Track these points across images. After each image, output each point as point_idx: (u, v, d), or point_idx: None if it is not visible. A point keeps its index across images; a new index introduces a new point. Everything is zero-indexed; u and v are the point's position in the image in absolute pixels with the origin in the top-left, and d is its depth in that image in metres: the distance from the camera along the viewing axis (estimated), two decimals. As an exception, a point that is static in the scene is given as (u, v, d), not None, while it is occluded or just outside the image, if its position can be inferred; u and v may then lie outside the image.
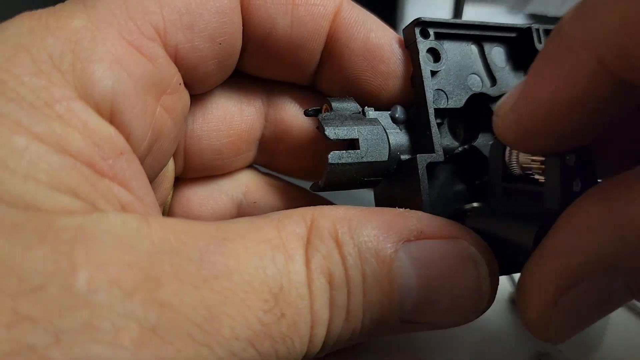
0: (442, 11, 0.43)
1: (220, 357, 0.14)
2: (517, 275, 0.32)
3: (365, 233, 0.17)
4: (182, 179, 0.25)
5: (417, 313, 0.18)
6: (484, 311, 0.19)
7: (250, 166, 0.26)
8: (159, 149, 0.20)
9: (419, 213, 0.19)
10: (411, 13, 0.58)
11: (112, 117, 0.17)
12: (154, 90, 0.19)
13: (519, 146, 0.19)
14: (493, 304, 0.31)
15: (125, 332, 0.13)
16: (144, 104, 0.18)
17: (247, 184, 0.26)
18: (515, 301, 0.30)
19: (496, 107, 0.19)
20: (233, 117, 0.24)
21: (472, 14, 0.31)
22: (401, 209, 0.19)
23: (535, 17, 0.66)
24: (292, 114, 0.25)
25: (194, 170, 0.25)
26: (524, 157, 0.20)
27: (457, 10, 0.32)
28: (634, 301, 0.31)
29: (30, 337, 0.13)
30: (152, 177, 0.22)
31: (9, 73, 0.15)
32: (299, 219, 0.17)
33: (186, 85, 0.21)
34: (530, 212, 0.19)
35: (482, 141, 0.24)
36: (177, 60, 0.20)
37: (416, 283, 0.17)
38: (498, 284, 0.19)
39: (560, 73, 0.16)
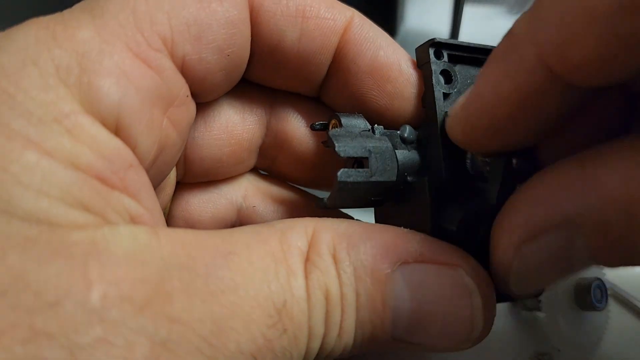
0: (442, 11, 0.43)
1: None
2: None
3: (362, 251, 0.17)
4: (181, 183, 0.25)
5: (409, 334, 0.18)
6: (477, 342, 0.19)
7: (250, 170, 0.26)
8: (163, 160, 0.20)
9: (422, 235, 0.19)
10: (411, 13, 0.58)
11: (118, 131, 0.17)
12: (160, 103, 0.19)
13: (467, 145, 0.19)
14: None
15: (137, 347, 0.14)
16: (150, 117, 0.18)
17: (246, 188, 0.26)
18: (515, 302, 0.30)
19: (450, 108, 0.20)
20: (235, 126, 0.24)
21: (471, 14, 0.31)
22: (404, 229, 0.19)
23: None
24: (294, 126, 0.24)
25: (194, 176, 0.25)
26: (476, 159, 0.20)
27: (457, 11, 0.32)
28: (634, 301, 0.31)
29: (47, 353, 0.13)
30: (155, 186, 0.22)
31: (17, 87, 0.15)
32: (301, 231, 0.17)
33: (193, 96, 0.21)
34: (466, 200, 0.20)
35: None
36: (185, 71, 0.20)
37: (409, 306, 0.17)
38: (494, 316, 0.19)
39: (504, 70, 0.16)
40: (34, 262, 0.14)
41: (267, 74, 0.23)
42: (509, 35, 0.16)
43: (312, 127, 0.22)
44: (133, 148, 0.18)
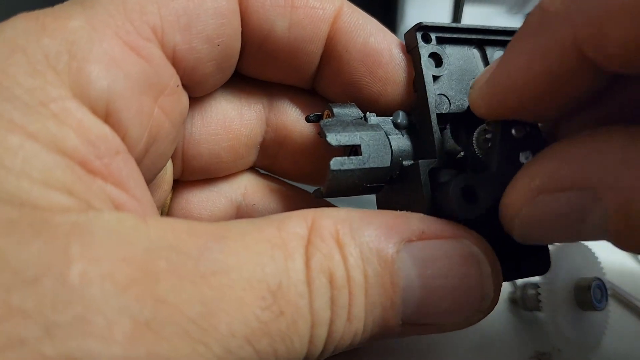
0: (442, 11, 0.43)
1: (216, 354, 0.14)
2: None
3: (366, 234, 0.17)
4: (181, 182, 0.25)
5: (419, 314, 0.18)
6: (488, 312, 0.19)
7: (250, 168, 0.26)
8: (156, 150, 0.20)
9: (420, 215, 0.19)
10: (411, 13, 0.58)
11: (107, 117, 0.17)
12: (150, 91, 0.19)
13: (488, 117, 0.19)
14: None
15: (118, 326, 0.13)
16: (140, 104, 0.18)
17: (246, 186, 0.26)
18: (515, 301, 0.30)
19: (473, 82, 0.20)
20: (233, 121, 0.24)
21: (471, 14, 0.31)
22: (402, 211, 0.19)
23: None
24: (294, 119, 0.24)
25: (192, 173, 0.25)
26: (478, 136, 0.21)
27: (457, 11, 0.32)
28: (634, 301, 0.31)
29: (22, 331, 0.12)
30: (150, 179, 0.22)
31: (4, 73, 0.16)
32: (300, 219, 0.17)
33: (185, 87, 0.21)
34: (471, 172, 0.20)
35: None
36: (175, 61, 0.20)
37: (418, 283, 0.17)
38: (502, 284, 0.19)
39: (536, 47, 0.16)
40: (14, 242, 0.13)
41: (260, 66, 0.23)
42: (541, 11, 0.16)
43: (307, 119, 0.23)
44: (123, 135, 0.18)
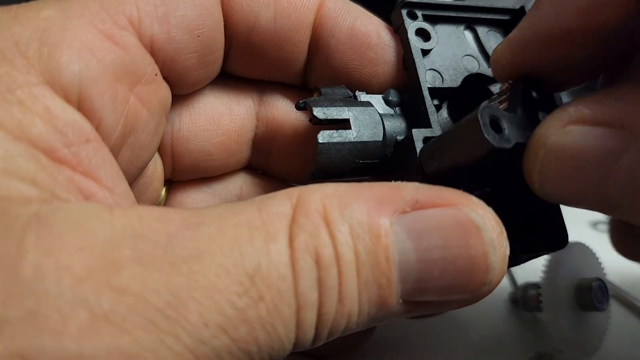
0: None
1: (186, 346, 0.13)
2: (517, 275, 0.32)
3: (356, 208, 0.16)
4: (175, 182, 0.25)
5: (419, 291, 0.16)
6: (495, 284, 0.17)
7: (245, 168, 0.26)
8: (136, 141, 0.20)
9: (414, 183, 0.17)
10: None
11: (80, 104, 0.17)
12: (126, 78, 0.18)
13: (511, 69, 0.19)
14: (492, 304, 0.31)
15: (73, 320, 0.13)
16: (114, 91, 0.18)
17: (241, 187, 0.25)
18: (516, 302, 0.30)
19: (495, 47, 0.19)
20: (222, 117, 0.24)
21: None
22: (394, 182, 0.17)
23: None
24: (285, 112, 0.24)
25: (184, 171, 0.24)
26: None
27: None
28: (635, 302, 0.31)
29: None
30: (135, 172, 0.21)
31: None
32: (284, 198, 0.16)
33: (167, 80, 0.21)
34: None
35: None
36: (154, 51, 0.20)
37: (415, 257, 0.16)
38: (508, 252, 0.17)
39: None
40: None
41: (248, 63, 0.23)
42: None
43: (297, 106, 0.22)
44: (96, 123, 0.17)
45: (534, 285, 0.29)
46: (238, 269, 0.14)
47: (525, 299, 0.29)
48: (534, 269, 0.28)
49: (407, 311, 0.17)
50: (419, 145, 0.19)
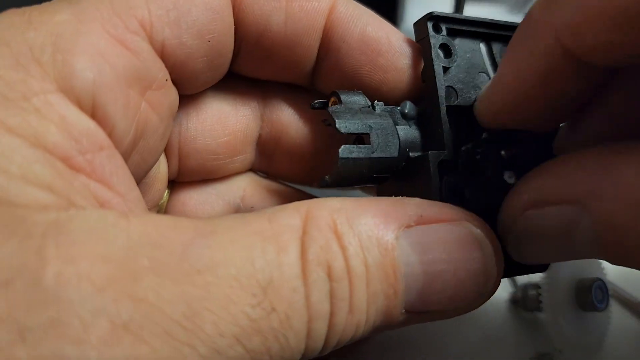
0: (443, 10, 0.42)
1: (203, 356, 0.14)
2: (518, 277, 0.32)
3: (364, 222, 0.16)
4: (178, 183, 0.25)
5: (422, 302, 0.17)
6: (491, 294, 0.18)
7: (248, 171, 0.26)
8: (145, 145, 0.20)
9: (417, 199, 0.18)
10: (411, 13, 0.58)
11: (94, 111, 0.17)
12: (138, 84, 0.19)
13: (489, 123, 0.20)
14: (492, 304, 0.31)
15: (94, 329, 0.13)
16: (127, 97, 0.18)
17: (244, 189, 0.25)
18: (516, 302, 0.30)
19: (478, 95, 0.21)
20: (228, 117, 0.24)
21: (472, 13, 0.31)
22: (398, 197, 0.18)
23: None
24: (290, 114, 0.24)
25: (189, 172, 0.24)
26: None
27: (458, 10, 0.32)
28: (635, 302, 0.31)
29: None
30: (141, 175, 0.21)
31: None
32: (293, 211, 0.16)
33: (175, 83, 0.21)
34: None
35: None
36: (164, 56, 0.20)
37: (420, 270, 0.17)
38: (503, 266, 0.18)
39: (524, 52, 0.17)
40: None
41: (258, 64, 0.23)
42: (527, 19, 0.17)
43: (312, 106, 0.22)
44: (109, 129, 0.17)
45: (534, 285, 0.29)
46: (251, 281, 0.14)
47: (525, 299, 0.29)
48: (534, 269, 0.28)
49: (407, 321, 0.17)
50: (434, 170, 0.20)
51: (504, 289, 0.32)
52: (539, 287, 0.27)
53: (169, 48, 0.19)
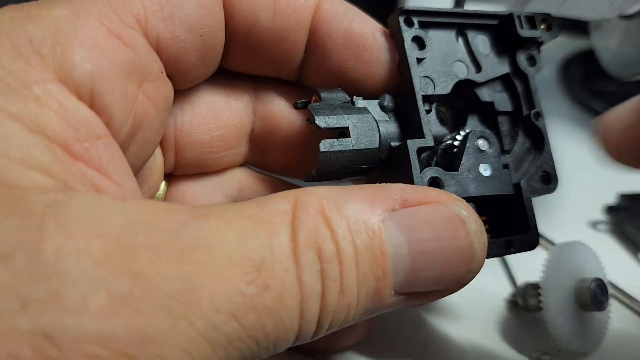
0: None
1: (199, 331, 0.14)
2: (517, 276, 0.32)
3: (350, 207, 0.17)
4: (175, 176, 0.25)
5: (411, 282, 0.18)
6: (476, 272, 0.19)
7: (243, 165, 0.27)
8: (143, 137, 0.21)
9: (400, 184, 0.19)
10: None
11: (92, 101, 0.18)
12: (134, 76, 0.19)
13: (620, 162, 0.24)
14: (493, 304, 0.31)
15: (94, 300, 0.13)
16: (124, 89, 0.19)
17: (241, 182, 0.26)
18: (516, 302, 0.30)
19: (602, 121, 0.23)
20: (221, 111, 0.24)
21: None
22: (382, 184, 0.19)
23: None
24: (281, 108, 0.25)
25: (185, 165, 0.25)
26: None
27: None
28: (635, 301, 0.31)
29: None
30: (138, 167, 0.22)
31: None
32: (282, 198, 0.17)
33: (170, 77, 0.22)
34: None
35: (472, 125, 0.24)
36: (159, 50, 0.20)
37: (407, 250, 0.17)
38: (487, 243, 0.19)
39: None
40: None
41: (246, 60, 0.24)
42: None
43: (295, 106, 0.23)
44: (107, 119, 0.18)
45: (534, 285, 0.29)
46: (244, 260, 0.15)
47: (525, 299, 0.29)
48: (534, 269, 0.28)
49: (397, 303, 0.18)
50: (413, 156, 0.21)
51: (504, 289, 0.32)
52: (539, 287, 0.27)
53: (163, 42, 0.20)
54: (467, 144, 0.22)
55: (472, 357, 0.28)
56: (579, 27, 0.55)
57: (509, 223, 0.23)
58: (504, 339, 0.29)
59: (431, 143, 0.22)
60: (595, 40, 0.44)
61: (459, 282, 0.19)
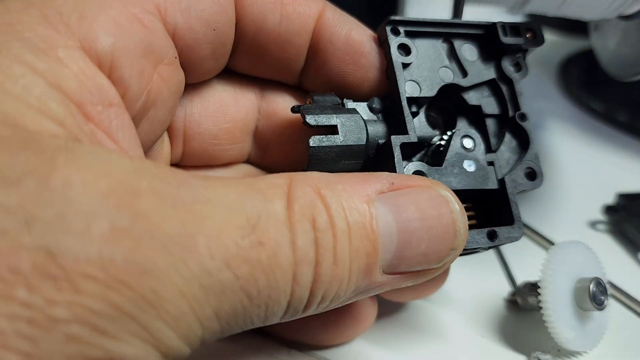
0: (442, 12, 0.43)
1: (194, 274, 0.15)
2: (516, 275, 0.32)
3: (343, 188, 0.18)
4: (182, 167, 0.27)
5: (398, 259, 0.18)
6: (460, 250, 0.20)
7: (245, 162, 0.28)
8: (155, 115, 0.22)
9: (388, 172, 0.20)
10: (411, 13, 0.58)
11: (111, 72, 0.19)
12: (151, 56, 0.21)
13: None
14: (493, 304, 0.31)
15: (97, 227, 0.14)
16: (141, 65, 0.20)
17: (245, 173, 0.27)
18: (515, 302, 0.30)
19: None
20: (228, 106, 0.26)
21: (471, 14, 0.31)
22: (371, 172, 0.20)
23: (535, 18, 0.66)
24: (283, 108, 0.27)
25: (192, 155, 0.26)
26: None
27: (457, 11, 0.32)
28: (634, 301, 0.31)
29: (2, 222, 0.13)
30: (147, 146, 0.23)
31: (18, 21, 0.17)
32: (278, 176, 0.18)
33: (183, 67, 0.23)
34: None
35: (461, 127, 0.26)
36: (175, 38, 0.22)
37: (396, 228, 0.18)
38: (467, 223, 0.20)
39: None
40: (2, 151, 0.14)
41: (252, 61, 0.26)
42: None
43: (292, 110, 0.24)
44: (123, 91, 0.19)
45: (533, 285, 0.29)
46: (241, 217, 0.16)
47: (524, 299, 0.29)
48: (533, 269, 0.28)
49: (385, 284, 0.19)
50: (397, 151, 0.23)
51: (503, 289, 0.32)
52: (538, 287, 0.27)
53: (180, 32, 0.22)
54: (452, 142, 0.24)
55: (472, 356, 0.28)
56: (578, 27, 0.55)
57: (495, 217, 0.24)
58: (503, 339, 0.29)
59: (414, 139, 0.23)
60: (595, 41, 0.44)
61: (443, 260, 0.19)
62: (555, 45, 0.63)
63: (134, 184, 0.15)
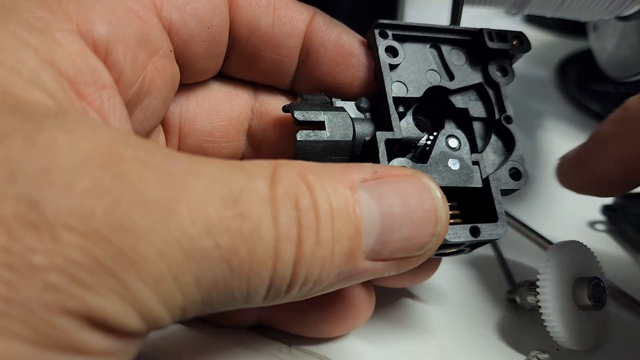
0: (441, 12, 0.43)
1: (175, 237, 0.15)
2: (515, 275, 0.33)
3: (327, 174, 0.18)
4: None
5: (381, 245, 0.19)
6: (442, 237, 0.20)
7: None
8: (149, 105, 0.23)
9: (371, 163, 0.20)
10: (411, 13, 0.58)
11: (106, 57, 0.19)
12: (146, 47, 0.21)
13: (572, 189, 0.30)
14: (492, 303, 0.31)
15: (80, 182, 0.14)
16: (136, 54, 0.21)
17: None
18: (513, 301, 0.31)
19: (561, 157, 0.30)
20: (223, 105, 0.27)
21: (470, 15, 0.31)
22: (354, 163, 0.20)
23: (534, 18, 0.66)
24: (276, 108, 0.27)
25: (187, 151, 0.26)
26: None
27: (456, 12, 0.33)
28: (634, 301, 0.31)
29: None
30: (142, 136, 0.24)
31: (18, 4, 0.18)
32: (263, 161, 0.18)
33: (178, 64, 0.24)
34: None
35: (449, 128, 0.26)
36: (170, 33, 0.23)
37: (378, 213, 0.18)
38: (449, 211, 0.20)
39: (616, 137, 0.24)
40: None
41: (245, 65, 0.26)
42: (624, 109, 0.25)
43: (283, 109, 0.25)
44: (117, 77, 0.20)
45: (532, 284, 0.29)
46: (224, 189, 0.16)
47: (523, 298, 0.30)
48: (532, 269, 0.28)
49: (368, 270, 0.19)
50: (381, 146, 0.23)
51: (502, 289, 0.32)
52: (537, 286, 0.27)
53: (175, 27, 0.23)
54: (437, 141, 0.24)
55: (471, 354, 0.28)
56: (576, 28, 0.55)
57: (481, 216, 0.25)
58: (502, 338, 0.29)
59: (399, 136, 0.24)
60: (593, 41, 0.44)
61: (425, 246, 0.19)
62: (553, 45, 0.63)
63: (119, 149, 0.15)
